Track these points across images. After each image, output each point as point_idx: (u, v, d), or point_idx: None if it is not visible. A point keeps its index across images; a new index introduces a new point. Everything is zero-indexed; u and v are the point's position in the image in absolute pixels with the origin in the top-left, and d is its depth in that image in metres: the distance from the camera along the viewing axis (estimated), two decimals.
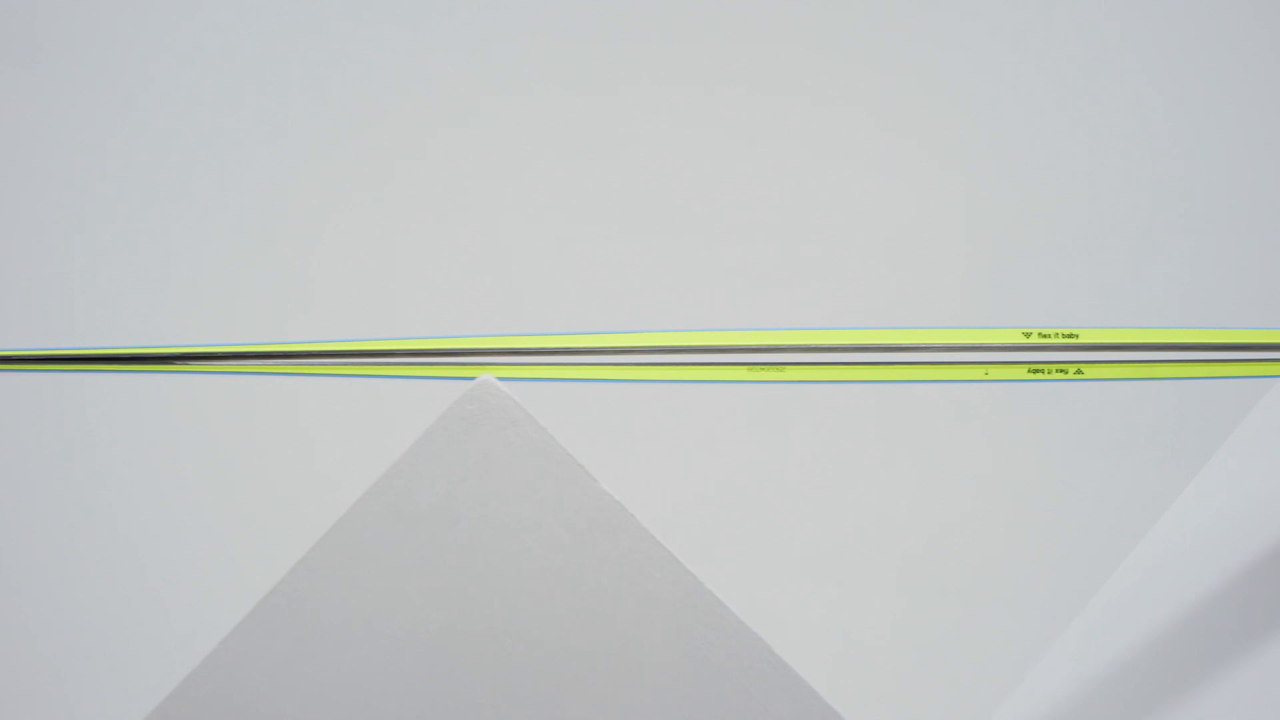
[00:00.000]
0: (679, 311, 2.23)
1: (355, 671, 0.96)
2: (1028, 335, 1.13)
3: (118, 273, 2.19)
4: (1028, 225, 2.24)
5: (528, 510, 0.97)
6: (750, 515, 2.21)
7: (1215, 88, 2.27)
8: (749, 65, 2.24)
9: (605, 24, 2.26)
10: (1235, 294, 2.23)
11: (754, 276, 2.22)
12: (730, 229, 2.24)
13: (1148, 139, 2.26)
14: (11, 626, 2.11)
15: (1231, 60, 2.27)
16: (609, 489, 0.97)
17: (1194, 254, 2.24)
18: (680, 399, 2.21)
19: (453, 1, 2.24)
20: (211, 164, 2.22)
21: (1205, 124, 2.27)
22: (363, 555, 0.96)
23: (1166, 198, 2.25)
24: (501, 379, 1.11)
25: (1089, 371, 1.14)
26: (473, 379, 1.04)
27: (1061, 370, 1.14)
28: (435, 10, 2.24)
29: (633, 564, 0.96)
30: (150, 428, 2.15)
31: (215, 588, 2.08)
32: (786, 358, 1.12)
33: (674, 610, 0.96)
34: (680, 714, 0.97)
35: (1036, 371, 1.13)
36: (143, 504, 2.14)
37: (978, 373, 1.13)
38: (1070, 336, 1.13)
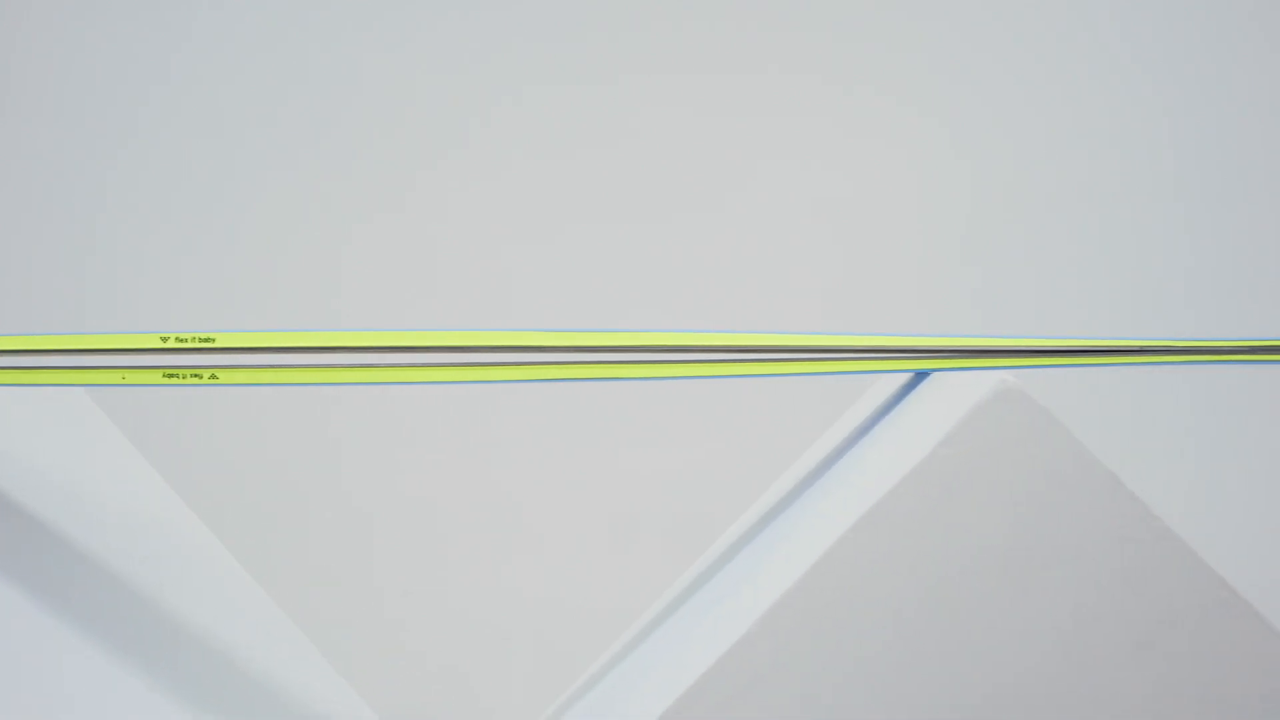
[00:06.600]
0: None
1: None
2: (165, 340, 1.12)
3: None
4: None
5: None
6: None
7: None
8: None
9: (577, 17, 2.34)
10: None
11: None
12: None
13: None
14: None
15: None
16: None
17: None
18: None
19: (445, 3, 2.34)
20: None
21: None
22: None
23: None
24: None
25: (224, 376, 1.12)
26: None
27: (196, 375, 1.12)
28: (425, 10, 2.34)
29: None
30: None
31: None
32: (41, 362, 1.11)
33: None
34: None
35: (171, 376, 1.12)
36: None
37: (115, 377, 1.12)
38: (206, 341, 1.12)
